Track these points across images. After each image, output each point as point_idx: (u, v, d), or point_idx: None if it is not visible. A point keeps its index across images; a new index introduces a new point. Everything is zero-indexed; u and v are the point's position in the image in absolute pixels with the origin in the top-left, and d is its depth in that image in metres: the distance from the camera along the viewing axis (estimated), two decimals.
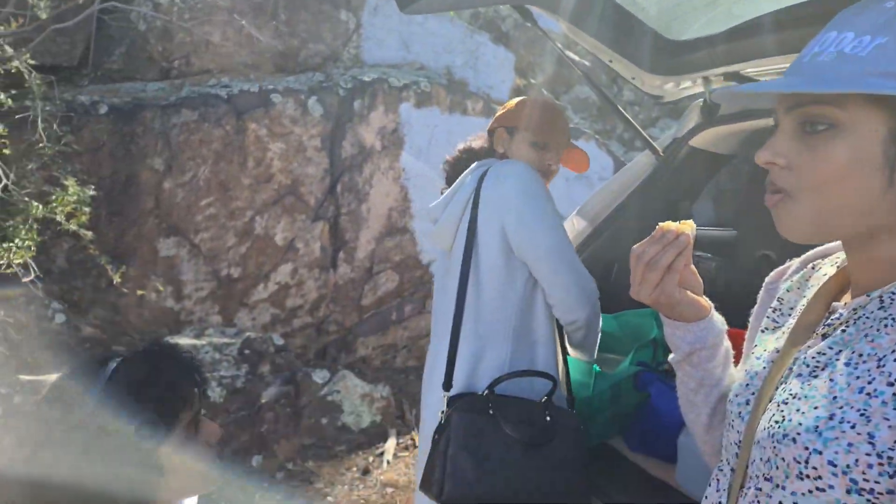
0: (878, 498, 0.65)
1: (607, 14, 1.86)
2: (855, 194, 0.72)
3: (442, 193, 1.75)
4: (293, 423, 3.35)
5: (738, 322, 1.94)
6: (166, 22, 3.90)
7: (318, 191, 4.06)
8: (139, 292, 3.60)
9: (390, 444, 3.42)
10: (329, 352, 4.19)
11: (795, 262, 0.99)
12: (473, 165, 1.66)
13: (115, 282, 3.31)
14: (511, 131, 1.71)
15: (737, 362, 1.11)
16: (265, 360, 3.48)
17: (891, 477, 0.64)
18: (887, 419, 0.65)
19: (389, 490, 3.04)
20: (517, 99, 1.79)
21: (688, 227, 0.89)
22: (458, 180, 1.67)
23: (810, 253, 0.98)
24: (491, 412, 1.40)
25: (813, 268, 0.95)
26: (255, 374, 3.40)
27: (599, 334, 1.60)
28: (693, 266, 0.93)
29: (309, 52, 4.37)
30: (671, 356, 0.99)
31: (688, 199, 2.14)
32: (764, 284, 1.03)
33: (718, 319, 0.96)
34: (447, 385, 1.51)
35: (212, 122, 3.80)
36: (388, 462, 3.28)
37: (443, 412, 1.45)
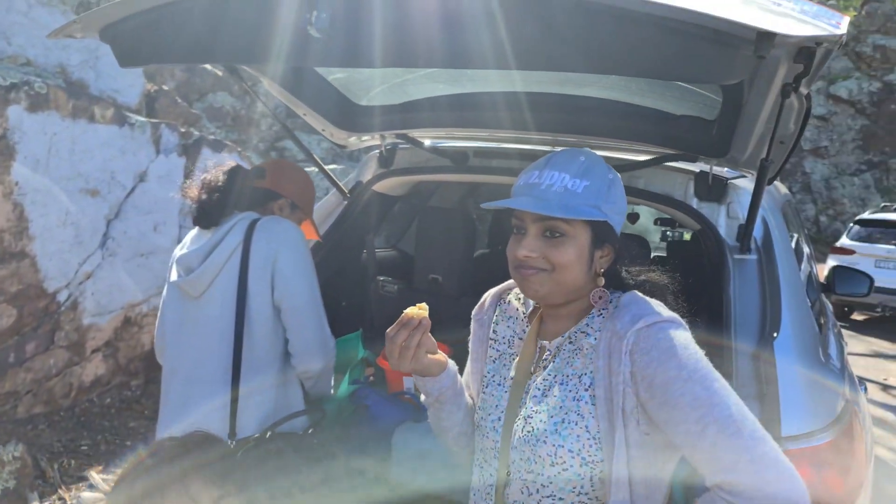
0: (596, 465, 1.10)
1: (307, 78, 2.08)
2: (574, 276, 1.16)
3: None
4: None
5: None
6: None
7: None
8: None
9: None
10: None
11: (488, 297, 1.42)
12: (236, 218, 1.72)
13: None
14: (294, 207, 1.90)
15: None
16: None
17: (601, 450, 1.09)
18: (591, 413, 1.11)
19: None
20: (304, 176, 1.97)
21: (424, 310, 1.20)
22: (220, 230, 1.71)
23: (497, 290, 1.41)
24: (276, 451, 1.58)
25: (506, 301, 1.37)
26: None
27: (330, 381, 1.84)
28: (431, 335, 1.21)
29: None
30: (423, 398, 1.32)
31: (371, 232, 2.51)
32: (472, 317, 1.42)
33: (452, 365, 1.30)
34: (233, 434, 1.60)
35: None
36: None
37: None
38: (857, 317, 9.35)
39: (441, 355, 1.25)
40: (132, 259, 4.27)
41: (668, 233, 6.39)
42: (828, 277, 3.31)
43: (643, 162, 2.04)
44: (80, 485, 3.25)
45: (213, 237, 1.71)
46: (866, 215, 9.70)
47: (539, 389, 1.19)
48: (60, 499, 3.13)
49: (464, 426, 1.34)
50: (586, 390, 1.13)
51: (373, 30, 1.16)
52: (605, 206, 1.15)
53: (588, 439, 1.10)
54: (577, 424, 1.11)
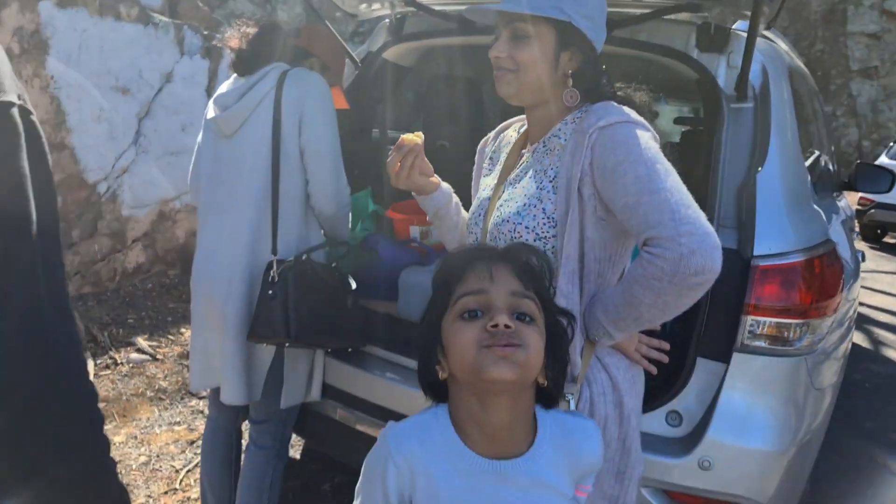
0: (548, 240, 1.23)
1: None
2: (538, 75, 1.26)
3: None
4: None
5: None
6: None
7: None
8: None
9: (88, 368, 3.26)
10: None
11: (491, 133, 1.55)
12: (270, 67, 1.87)
13: None
14: (324, 68, 2.04)
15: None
16: None
17: (554, 227, 1.21)
18: (549, 198, 1.23)
19: (101, 405, 2.96)
20: (338, 42, 2.12)
21: (418, 137, 1.39)
22: (254, 76, 1.86)
23: (501, 125, 1.54)
24: (311, 271, 1.80)
25: (503, 136, 1.50)
26: None
27: (345, 229, 1.99)
28: (424, 157, 1.40)
29: None
30: (428, 217, 1.49)
31: (381, 103, 2.61)
32: (477, 150, 1.57)
33: (446, 187, 1.47)
34: (275, 250, 1.80)
35: None
36: None
37: (274, 272, 1.75)
38: (889, 239, 9.17)
39: (435, 178, 1.44)
40: (163, 157, 4.47)
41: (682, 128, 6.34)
42: (850, 175, 3.30)
43: (645, 15, 2.07)
44: (129, 348, 3.56)
45: (249, 80, 1.85)
46: None
47: (510, 183, 1.33)
48: (111, 359, 3.44)
49: (462, 234, 1.50)
50: (550, 181, 1.25)
51: None
52: (569, 7, 1.22)
53: (543, 219, 1.23)
54: (535, 207, 1.24)
